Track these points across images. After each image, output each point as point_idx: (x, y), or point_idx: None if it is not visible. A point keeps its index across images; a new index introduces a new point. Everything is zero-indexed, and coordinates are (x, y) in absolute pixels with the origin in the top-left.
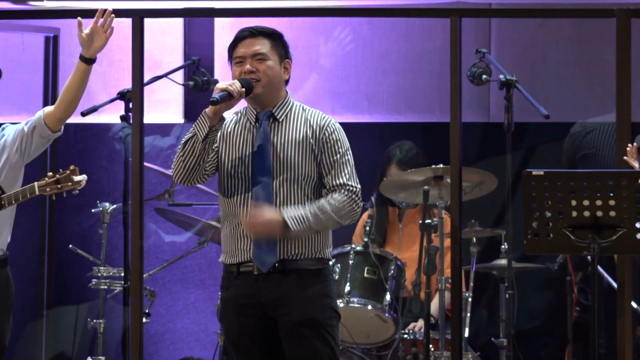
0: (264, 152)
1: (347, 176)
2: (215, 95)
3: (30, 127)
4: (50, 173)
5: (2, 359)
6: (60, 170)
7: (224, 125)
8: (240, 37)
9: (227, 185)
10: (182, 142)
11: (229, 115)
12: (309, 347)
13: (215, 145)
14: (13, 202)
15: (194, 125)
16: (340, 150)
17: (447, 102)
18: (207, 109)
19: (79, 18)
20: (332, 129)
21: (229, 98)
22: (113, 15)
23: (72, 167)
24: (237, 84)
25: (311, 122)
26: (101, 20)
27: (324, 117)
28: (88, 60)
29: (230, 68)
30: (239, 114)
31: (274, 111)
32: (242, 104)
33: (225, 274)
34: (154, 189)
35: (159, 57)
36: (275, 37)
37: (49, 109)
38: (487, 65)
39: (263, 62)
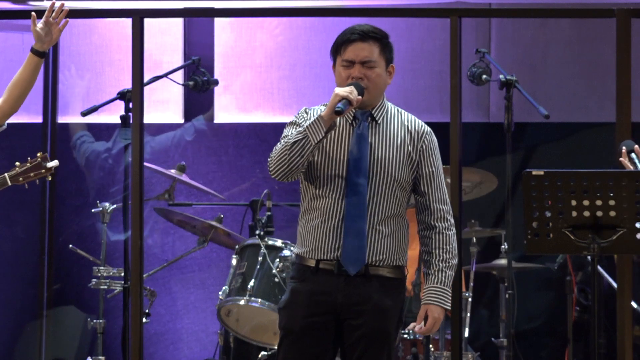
0: (361, 153)
1: (445, 197)
2: (340, 104)
3: None
4: (18, 163)
5: None
6: (29, 158)
7: None
8: (351, 39)
9: (319, 180)
10: (290, 141)
11: (322, 108)
12: (371, 358)
13: None
14: None
15: (305, 128)
16: (437, 161)
17: (447, 102)
18: (323, 114)
19: (32, 13)
20: (430, 138)
21: (349, 106)
22: (66, 9)
23: (40, 154)
24: (355, 92)
25: (409, 127)
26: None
27: (421, 124)
28: (41, 54)
29: (332, 62)
30: None
31: (373, 112)
32: None
33: (302, 266)
34: (154, 189)
35: (159, 57)
36: (384, 41)
37: None
38: (487, 65)
39: (372, 70)
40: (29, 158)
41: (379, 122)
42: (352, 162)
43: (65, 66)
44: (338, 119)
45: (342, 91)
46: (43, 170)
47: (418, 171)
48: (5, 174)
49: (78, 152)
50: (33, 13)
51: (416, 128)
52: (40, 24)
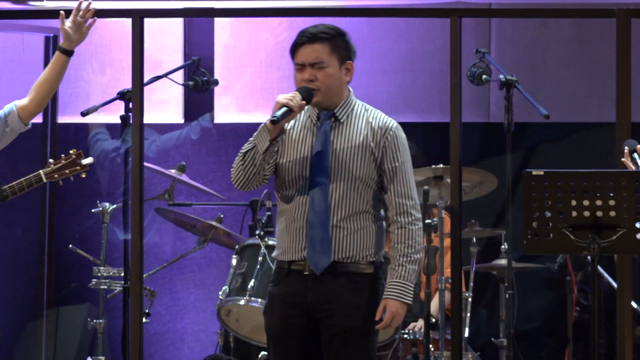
0: (323, 153)
1: (409, 191)
2: (276, 113)
3: None
4: (52, 160)
5: None
6: (63, 155)
7: None
8: (299, 43)
9: (285, 183)
10: (242, 152)
11: None
12: (349, 355)
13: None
14: (17, 192)
15: (254, 136)
16: (402, 156)
17: (447, 102)
18: (267, 122)
19: (61, 11)
20: (394, 133)
21: (289, 113)
22: (93, 8)
23: (74, 151)
24: (298, 97)
25: (373, 125)
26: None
27: (387, 120)
28: (69, 53)
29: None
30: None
31: (335, 111)
32: None
33: (277, 269)
34: (154, 189)
35: (159, 57)
36: (336, 40)
37: (22, 102)
38: (487, 65)
39: (322, 70)
40: (62, 155)
41: (341, 120)
42: (314, 162)
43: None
44: (293, 121)
45: (282, 98)
46: (78, 167)
47: (381, 167)
48: (40, 171)
49: (92, 150)
50: (62, 12)
51: (380, 124)
52: (68, 23)
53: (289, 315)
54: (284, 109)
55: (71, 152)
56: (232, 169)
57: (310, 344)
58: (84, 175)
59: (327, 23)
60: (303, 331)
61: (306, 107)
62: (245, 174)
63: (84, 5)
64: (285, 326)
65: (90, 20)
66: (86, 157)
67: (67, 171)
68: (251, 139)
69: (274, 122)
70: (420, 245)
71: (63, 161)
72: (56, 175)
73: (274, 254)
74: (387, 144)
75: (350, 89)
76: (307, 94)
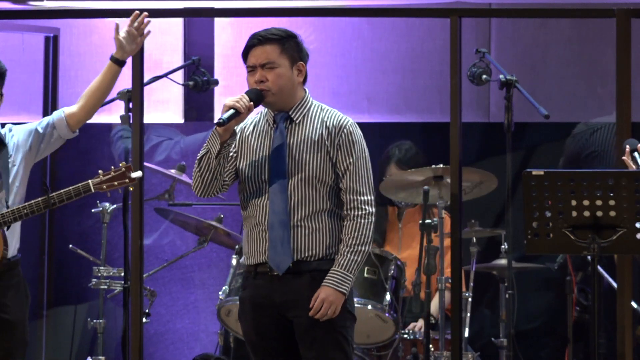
0: (280, 154)
1: (361, 187)
2: (222, 115)
3: (46, 128)
4: (101, 171)
5: (24, 355)
6: (112, 167)
7: (243, 128)
8: (250, 45)
9: (245, 188)
10: (198, 157)
11: (249, 116)
12: (321, 350)
13: (235, 150)
14: (65, 200)
15: (207, 141)
16: (356, 153)
17: (447, 102)
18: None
19: (116, 22)
20: (348, 130)
21: (237, 115)
22: (149, 20)
23: (124, 164)
24: (245, 99)
25: (327, 123)
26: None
27: (341, 118)
28: (121, 63)
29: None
30: (260, 115)
31: (290, 113)
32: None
33: (245, 273)
34: (154, 189)
35: (159, 57)
36: (286, 41)
37: (71, 109)
38: (487, 65)
39: (272, 71)
40: (112, 167)
41: (297, 121)
42: (272, 164)
43: (65, 66)
44: (252, 127)
45: (229, 101)
46: (127, 180)
47: (336, 165)
48: (89, 181)
49: (114, 147)
50: (116, 22)
51: (334, 123)
52: (123, 33)
53: (262, 316)
54: (231, 111)
55: (121, 164)
56: (192, 177)
57: (286, 342)
58: (131, 189)
59: (280, 27)
60: (277, 331)
61: (264, 112)
62: (202, 180)
63: (143, 7)
64: (260, 329)
65: (145, 31)
66: (91, 153)
67: (115, 183)
68: (205, 144)
69: (220, 124)
70: (369, 238)
71: (112, 173)
72: (105, 187)
73: (241, 260)
74: (341, 142)
75: (307, 89)
76: (255, 96)
